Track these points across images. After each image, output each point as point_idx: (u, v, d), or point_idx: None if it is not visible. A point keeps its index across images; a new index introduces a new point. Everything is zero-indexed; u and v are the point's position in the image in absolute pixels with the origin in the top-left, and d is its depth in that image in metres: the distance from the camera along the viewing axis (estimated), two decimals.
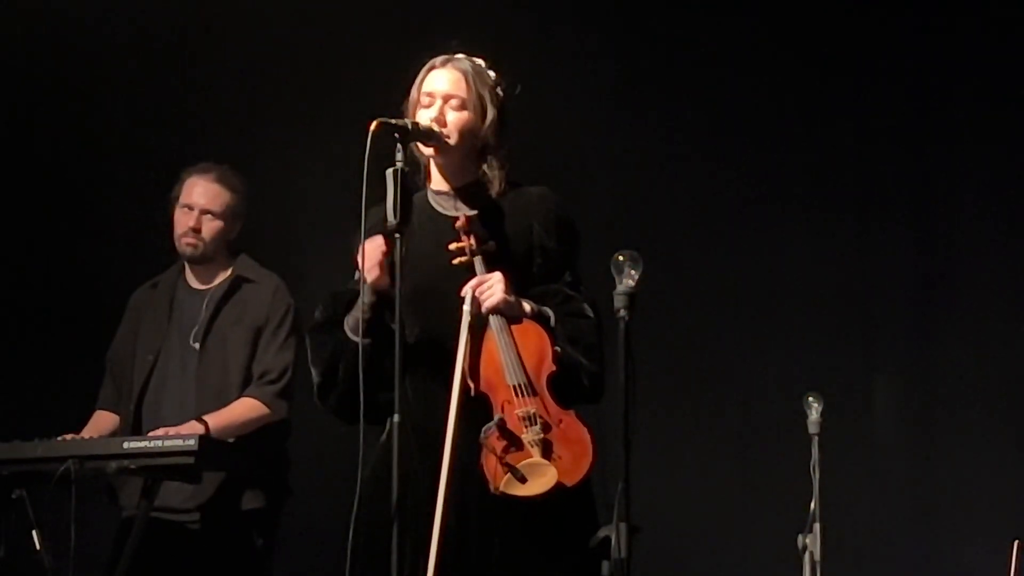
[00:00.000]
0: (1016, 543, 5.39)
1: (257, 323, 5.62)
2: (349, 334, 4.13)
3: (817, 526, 4.84)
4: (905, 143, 6.97)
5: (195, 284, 5.73)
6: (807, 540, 4.84)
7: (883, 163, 6.97)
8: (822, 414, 4.94)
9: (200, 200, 5.65)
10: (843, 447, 6.10)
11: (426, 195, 4.27)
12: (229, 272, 5.71)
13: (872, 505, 6.70)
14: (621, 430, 3.80)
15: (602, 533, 3.80)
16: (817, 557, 4.83)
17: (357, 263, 4.09)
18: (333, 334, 4.17)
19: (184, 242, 5.66)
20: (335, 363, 4.15)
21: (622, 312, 3.87)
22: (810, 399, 4.96)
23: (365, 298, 4.07)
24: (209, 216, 5.65)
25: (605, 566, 3.79)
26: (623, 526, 3.75)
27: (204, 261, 5.69)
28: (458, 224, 4.11)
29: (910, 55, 6.97)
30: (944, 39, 6.90)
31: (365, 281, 4.07)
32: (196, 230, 5.64)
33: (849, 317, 6.93)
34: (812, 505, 4.85)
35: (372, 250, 4.07)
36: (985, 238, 6.82)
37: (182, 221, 5.66)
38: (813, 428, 4.93)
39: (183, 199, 5.68)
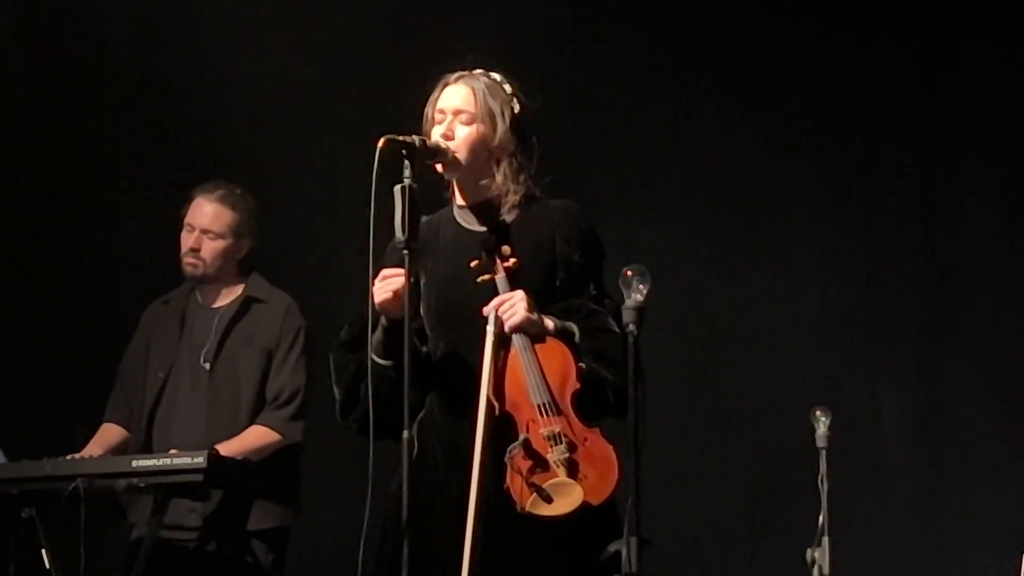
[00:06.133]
0: None
1: (269, 345, 5.63)
2: (373, 355, 4.12)
3: (826, 540, 4.82)
4: (911, 156, 6.97)
5: (206, 303, 5.73)
6: (816, 554, 4.82)
7: (889, 175, 6.97)
8: (830, 428, 4.93)
9: (201, 220, 5.66)
10: (851, 460, 6.09)
11: (452, 210, 4.29)
12: (240, 292, 5.71)
13: (881, 518, 6.69)
14: (631, 444, 3.80)
15: (613, 547, 3.80)
16: (826, 571, 4.81)
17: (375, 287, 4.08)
18: (357, 354, 4.15)
19: (185, 261, 5.68)
20: (357, 383, 4.14)
21: (631, 327, 3.87)
22: (817, 413, 4.94)
23: (382, 321, 4.07)
24: (209, 236, 5.65)
25: None
26: (633, 540, 3.75)
27: (207, 281, 5.69)
28: (481, 242, 4.12)
29: (915, 63, 6.97)
30: (949, 44, 6.91)
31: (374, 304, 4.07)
32: (195, 250, 5.65)
33: (856, 331, 6.93)
34: (821, 519, 4.83)
35: (391, 278, 4.05)
36: (992, 250, 6.81)
37: (184, 241, 5.69)
38: (821, 442, 4.91)
39: (187, 219, 5.71)
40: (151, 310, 5.85)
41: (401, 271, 4.00)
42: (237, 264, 5.71)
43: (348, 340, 4.21)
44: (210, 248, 5.66)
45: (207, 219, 5.66)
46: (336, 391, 4.23)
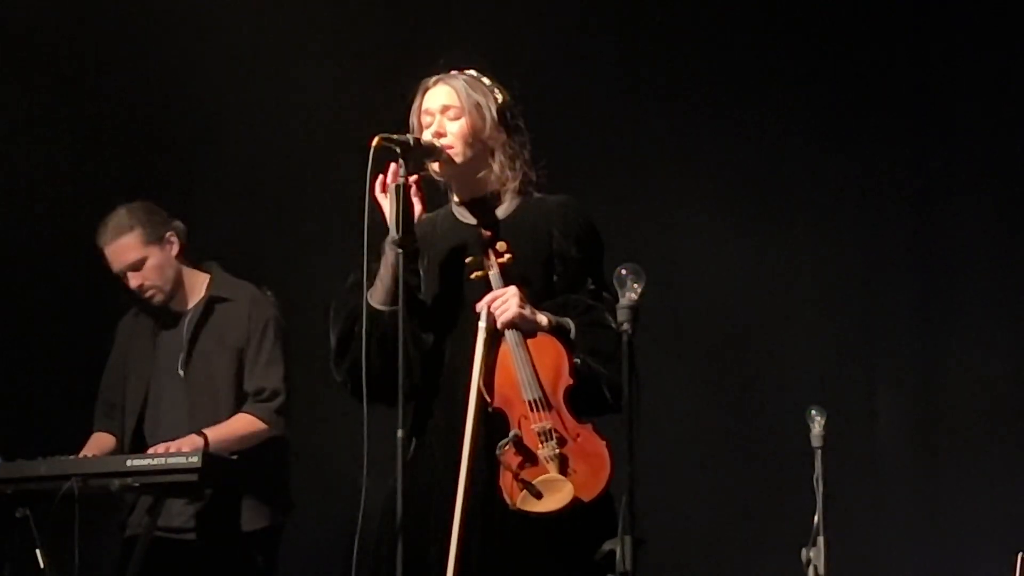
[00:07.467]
0: (1021, 556, 5.38)
1: (239, 343, 5.60)
2: (369, 299, 4.12)
3: (821, 539, 4.82)
4: (907, 158, 6.98)
5: (174, 307, 5.70)
6: (811, 554, 4.82)
7: (885, 177, 6.98)
8: (825, 427, 4.93)
9: (121, 262, 5.62)
10: (846, 460, 6.10)
11: (451, 206, 4.30)
12: (202, 290, 5.70)
13: (876, 518, 6.70)
14: (625, 443, 3.80)
15: (607, 546, 3.79)
16: (821, 571, 4.81)
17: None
18: (355, 297, 4.14)
19: (146, 298, 5.66)
20: (351, 325, 4.14)
21: (625, 326, 3.87)
22: (813, 412, 4.95)
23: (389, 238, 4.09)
24: (139, 266, 5.61)
25: None
26: (628, 539, 3.75)
27: (174, 294, 5.67)
28: (476, 238, 4.14)
29: (909, 69, 6.98)
30: (945, 47, 6.92)
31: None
32: (141, 287, 5.62)
33: (852, 330, 6.94)
34: (816, 518, 4.84)
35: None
36: (987, 251, 6.83)
37: (131, 287, 5.64)
38: (816, 441, 4.92)
39: (114, 269, 5.65)
40: (124, 323, 5.82)
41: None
42: (181, 260, 5.68)
43: (349, 285, 4.19)
44: (148, 274, 5.62)
45: (123, 257, 5.60)
46: (331, 336, 4.21)
